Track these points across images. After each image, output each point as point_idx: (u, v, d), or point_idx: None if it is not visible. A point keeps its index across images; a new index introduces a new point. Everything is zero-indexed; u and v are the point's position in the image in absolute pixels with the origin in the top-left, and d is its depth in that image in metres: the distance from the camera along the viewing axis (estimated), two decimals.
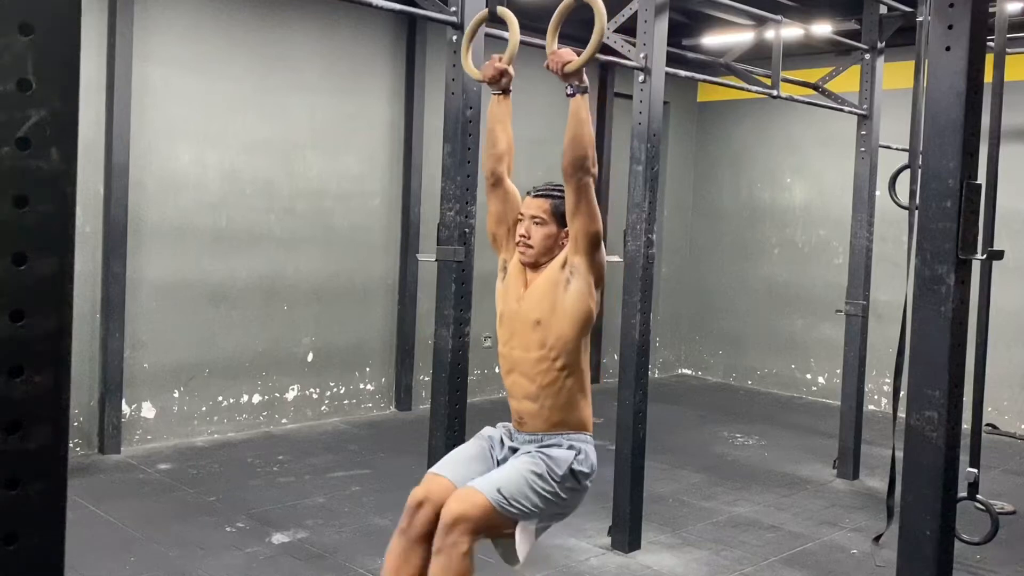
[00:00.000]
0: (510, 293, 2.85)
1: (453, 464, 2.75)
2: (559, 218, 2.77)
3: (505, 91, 2.88)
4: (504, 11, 2.97)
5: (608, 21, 3.46)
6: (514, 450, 2.78)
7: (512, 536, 2.56)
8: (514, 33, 2.84)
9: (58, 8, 0.91)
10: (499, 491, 2.52)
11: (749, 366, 9.52)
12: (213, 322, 6.54)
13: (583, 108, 2.62)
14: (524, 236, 2.80)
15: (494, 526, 2.54)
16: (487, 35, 3.68)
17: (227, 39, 6.51)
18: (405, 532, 2.66)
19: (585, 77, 2.66)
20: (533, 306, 2.76)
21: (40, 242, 0.91)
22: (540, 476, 2.60)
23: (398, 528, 2.71)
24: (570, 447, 2.72)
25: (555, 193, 2.80)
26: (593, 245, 2.70)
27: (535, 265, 2.81)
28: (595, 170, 2.65)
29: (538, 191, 2.85)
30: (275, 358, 6.87)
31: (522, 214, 2.84)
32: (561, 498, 2.65)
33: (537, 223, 2.79)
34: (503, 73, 2.84)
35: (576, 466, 2.69)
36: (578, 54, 2.63)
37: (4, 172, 0.89)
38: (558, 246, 2.79)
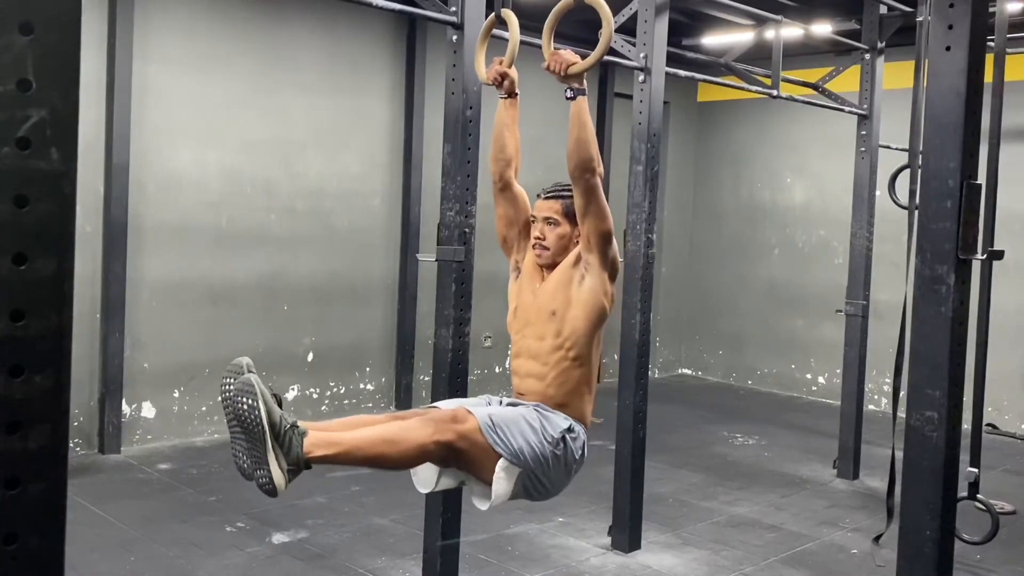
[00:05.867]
0: (525, 288, 2.87)
1: (456, 403, 2.74)
2: (571, 217, 2.78)
3: (511, 94, 2.87)
4: (507, 13, 2.96)
5: None
6: (514, 405, 2.78)
7: (488, 482, 2.54)
8: (514, 35, 2.83)
9: (58, 8, 0.91)
10: (490, 417, 2.52)
11: (749, 366, 9.52)
12: (213, 322, 6.54)
13: (584, 111, 2.62)
14: (539, 238, 2.81)
15: (475, 451, 2.49)
16: (492, 36, 3.68)
17: (227, 39, 6.51)
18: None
19: (584, 80, 2.66)
20: (548, 299, 2.78)
21: (40, 242, 0.91)
22: (533, 428, 2.59)
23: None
24: (566, 419, 2.71)
25: (564, 193, 2.80)
26: (605, 243, 2.71)
27: (551, 265, 2.83)
28: (601, 170, 2.66)
29: (548, 192, 2.85)
30: (275, 358, 6.87)
31: (534, 216, 2.85)
32: (545, 459, 2.59)
33: (550, 224, 2.80)
34: (504, 76, 2.84)
35: (568, 437, 2.67)
36: (581, 56, 2.62)
37: (4, 172, 0.89)
38: (573, 244, 2.81)
